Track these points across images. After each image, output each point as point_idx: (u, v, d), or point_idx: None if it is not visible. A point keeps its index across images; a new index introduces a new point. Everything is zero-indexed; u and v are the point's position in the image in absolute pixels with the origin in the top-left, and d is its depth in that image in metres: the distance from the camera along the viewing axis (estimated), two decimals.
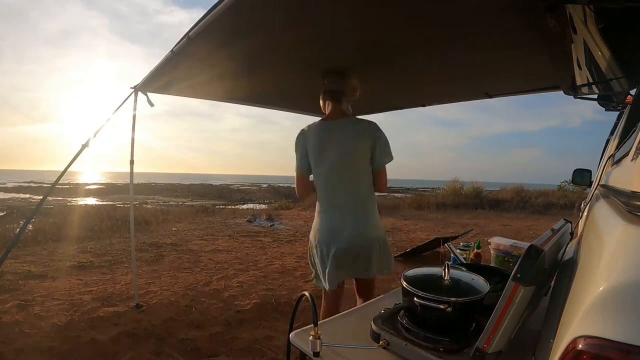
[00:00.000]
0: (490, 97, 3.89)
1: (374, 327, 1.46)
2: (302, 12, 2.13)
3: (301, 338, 1.50)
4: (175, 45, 2.69)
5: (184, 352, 3.42)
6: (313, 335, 1.32)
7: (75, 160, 3.85)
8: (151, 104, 4.01)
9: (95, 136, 3.89)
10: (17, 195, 34.47)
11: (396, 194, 30.88)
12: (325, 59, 3.02)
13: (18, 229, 7.43)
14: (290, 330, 1.59)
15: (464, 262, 2.49)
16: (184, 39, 2.53)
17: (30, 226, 7.75)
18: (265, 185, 47.76)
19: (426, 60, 2.87)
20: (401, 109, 4.74)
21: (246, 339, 3.65)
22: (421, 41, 2.55)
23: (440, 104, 4.52)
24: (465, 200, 16.05)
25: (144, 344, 3.55)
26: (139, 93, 3.96)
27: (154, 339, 3.65)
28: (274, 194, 36.08)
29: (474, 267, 2.04)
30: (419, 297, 1.38)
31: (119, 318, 4.06)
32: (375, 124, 2.70)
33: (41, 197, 4.00)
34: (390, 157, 2.69)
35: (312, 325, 1.33)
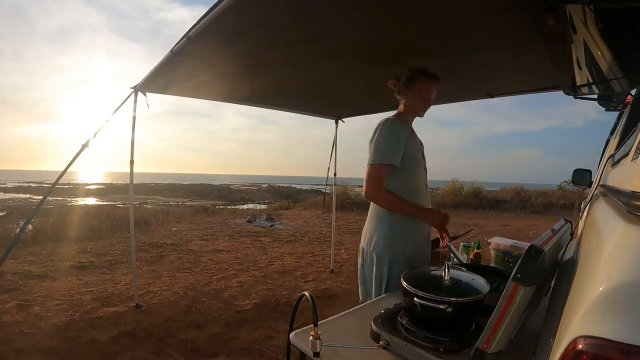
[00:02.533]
0: (491, 96, 3.88)
1: (374, 327, 1.46)
2: (304, 10, 2.14)
3: (301, 338, 1.50)
4: (175, 45, 2.69)
5: (184, 352, 3.42)
6: (313, 336, 1.31)
7: (75, 161, 3.85)
8: (147, 106, 4.04)
9: (95, 137, 3.89)
10: (17, 196, 34.49)
11: None
12: (326, 59, 3.03)
13: (18, 229, 7.43)
14: (290, 331, 1.59)
15: (464, 262, 2.50)
16: (184, 39, 2.53)
17: (30, 226, 7.75)
18: (266, 186, 47.73)
19: (427, 59, 2.87)
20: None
21: (246, 339, 3.66)
22: (422, 40, 2.55)
23: (441, 104, 4.51)
24: (465, 200, 16.01)
25: (144, 344, 3.56)
26: (139, 93, 3.97)
27: (154, 339, 3.66)
28: (274, 194, 36.04)
29: (474, 267, 2.05)
30: (419, 297, 1.38)
31: (119, 318, 4.07)
32: None
33: (41, 197, 4.02)
34: None
35: (312, 325, 1.33)
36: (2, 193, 37.79)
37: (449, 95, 4.20)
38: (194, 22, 2.36)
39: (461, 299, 1.35)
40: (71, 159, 3.80)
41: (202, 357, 3.37)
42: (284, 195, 30.91)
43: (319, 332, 1.32)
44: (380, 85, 3.82)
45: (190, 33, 2.43)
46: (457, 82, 3.60)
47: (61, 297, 4.70)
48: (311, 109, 5.55)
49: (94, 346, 3.50)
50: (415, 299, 1.38)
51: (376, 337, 1.43)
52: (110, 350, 3.44)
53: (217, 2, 2.04)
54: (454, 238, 7.04)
